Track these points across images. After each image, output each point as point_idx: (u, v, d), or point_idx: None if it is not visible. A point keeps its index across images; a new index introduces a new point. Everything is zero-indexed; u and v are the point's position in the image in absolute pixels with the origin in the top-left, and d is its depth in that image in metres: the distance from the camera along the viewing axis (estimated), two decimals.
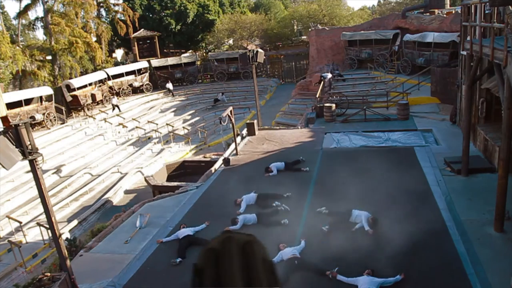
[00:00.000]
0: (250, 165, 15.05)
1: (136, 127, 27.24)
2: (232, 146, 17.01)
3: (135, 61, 37.81)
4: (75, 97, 27.89)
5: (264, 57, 28.70)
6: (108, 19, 39.09)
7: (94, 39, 35.23)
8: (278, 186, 12.35)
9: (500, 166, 8.97)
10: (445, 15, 26.74)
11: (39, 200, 10.74)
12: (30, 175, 14.09)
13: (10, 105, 22.43)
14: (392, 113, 19.42)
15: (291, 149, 16.39)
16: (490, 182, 10.74)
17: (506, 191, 8.79)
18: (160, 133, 26.47)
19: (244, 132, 19.00)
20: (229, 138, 23.15)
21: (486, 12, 10.88)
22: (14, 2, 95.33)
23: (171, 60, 37.28)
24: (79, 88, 28.17)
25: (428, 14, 28.72)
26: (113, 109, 29.30)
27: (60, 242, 8.18)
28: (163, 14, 39.67)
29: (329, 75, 25.61)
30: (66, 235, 13.32)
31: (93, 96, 29.11)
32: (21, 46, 31.32)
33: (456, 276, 7.73)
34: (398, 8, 44.34)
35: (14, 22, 43.70)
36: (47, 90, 26.11)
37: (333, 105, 20.32)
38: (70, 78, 29.90)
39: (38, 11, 50.97)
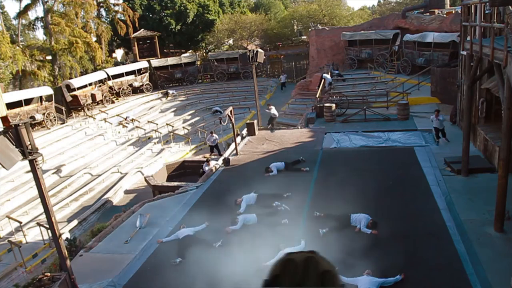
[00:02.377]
0: (250, 165, 15.06)
1: (136, 127, 27.24)
2: (232, 146, 17.01)
3: (135, 61, 37.79)
4: (75, 97, 27.88)
5: (264, 57, 28.67)
6: (108, 19, 39.08)
7: (94, 39, 35.22)
8: (278, 186, 12.35)
9: (500, 166, 8.97)
10: (445, 15, 26.72)
11: (39, 200, 10.73)
12: (30, 175, 14.09)
13: (10, 105, 22.40)
14: (392, 113, 19.42)
15: (291, 149, 16.38)
16: (490, 182, 10.74)
17: (506, 191, 8.79)
18: (160, 133, 26.46)
19: (244, 132, 19.00)
20: (229, 138, 23.12)
21: (486, 12, 10.88)
22: (14, 2, 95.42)
23: (171, 60, 37.24)
24: (79, 88, 28.17)
25: (428, 14, 28.71)
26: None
27: (60, 242, 8.18)
28: (163, 14, 39.67)
29: (329, 77, 25.56)
30: (66, 235, 13.30)
31: (93, 96, 29.11)
32: (21, 46, 31.30)
33: (456, 276, 7.73)
34: (398, 8, 44.35)
35: (14, 22, 43.72)
36: (47, 90, 26.11)
37: (333, 105, 20.32)
38: (70, 78, 29.90)
39: (38, 11, 51.00)
